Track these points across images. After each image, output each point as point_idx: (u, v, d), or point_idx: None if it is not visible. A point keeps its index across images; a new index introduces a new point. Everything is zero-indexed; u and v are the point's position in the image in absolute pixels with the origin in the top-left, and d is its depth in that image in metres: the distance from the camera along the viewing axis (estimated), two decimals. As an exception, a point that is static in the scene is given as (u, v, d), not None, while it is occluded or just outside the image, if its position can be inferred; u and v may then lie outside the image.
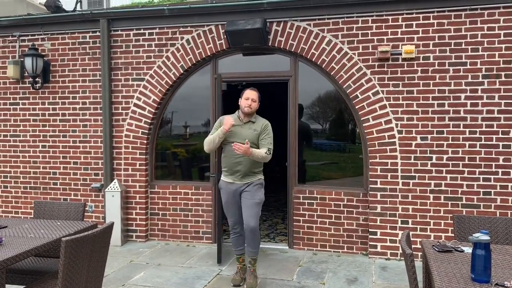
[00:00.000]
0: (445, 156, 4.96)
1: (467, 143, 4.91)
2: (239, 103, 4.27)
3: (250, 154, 3.97)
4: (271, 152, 4.15)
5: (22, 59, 6.08)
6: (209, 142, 4.18)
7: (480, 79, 4.86)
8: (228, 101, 5.95)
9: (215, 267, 4.84)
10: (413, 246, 4.91)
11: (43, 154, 6.24)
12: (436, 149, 4.98)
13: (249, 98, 4.16)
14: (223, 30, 5.48)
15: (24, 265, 3.51)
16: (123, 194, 5.80)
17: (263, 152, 4.07)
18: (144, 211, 5.88)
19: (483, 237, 2.22)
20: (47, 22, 6.08)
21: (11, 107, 6.32)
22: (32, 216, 6.25)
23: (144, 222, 5.89)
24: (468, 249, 2.79)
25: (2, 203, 6.43)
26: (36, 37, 6.19)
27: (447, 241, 2.99)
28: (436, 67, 4.96)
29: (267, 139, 4.18)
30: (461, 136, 4.92)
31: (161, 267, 4.88)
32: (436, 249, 2.80)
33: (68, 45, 6.09)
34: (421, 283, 3.41)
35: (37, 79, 6.07)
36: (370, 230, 5.17)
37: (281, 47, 5.38)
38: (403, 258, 5.05)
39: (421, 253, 4.83)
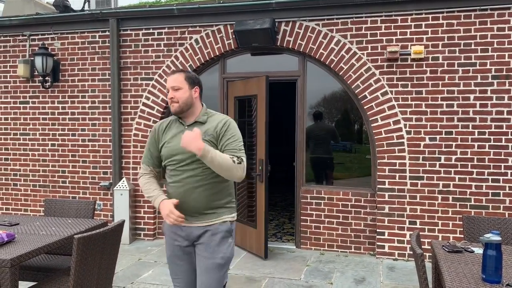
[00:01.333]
0: (453, 157, 4.95)
1: (476, 144, 4.89)
2: None
3: (202, 154, 2.28)
4: (244, 163, 2.44)
5: (32, 58, 6.13)
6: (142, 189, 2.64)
7: (490, 80, 4.84)
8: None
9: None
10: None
11: (52, 153, 6.29)
12: (445, 149, 4.97)
13: (169, 90, 2.51)
14: (232, 30, 5.50)
15: (35, 262, 3.55)
16: (132, 193, 5.83)
17: (228, 157, 2.38)
18: (152, 210, 5.91)
19: (495, 237, 2.22)
20: (57, 22, 6.13)
21: (21, 105, 6.38)
22: (41, 213, 6.30)
23: (152, 221, 5.92)
24: (478, 250, 2.79)
25: (11, 201, 6.49)
26: (46, 36, 6.24)
27: (456, 242, 2.99)
28: (445, 68, 4.94)
29: (232, 142, 2.47)
30: (470, 137, 4.90)
31: (169, 265, 4.90)
32: (446, 249, 2.81)
33: (77, 45, 6.14)
34: (430, 284, 3.40)
35: (47, 78, 6.12)
36: (377, 230, 5.16)
37: (290, 47, 5.38)
38: (410, 259, 5.04)
39: (429, 254, 4.83)
